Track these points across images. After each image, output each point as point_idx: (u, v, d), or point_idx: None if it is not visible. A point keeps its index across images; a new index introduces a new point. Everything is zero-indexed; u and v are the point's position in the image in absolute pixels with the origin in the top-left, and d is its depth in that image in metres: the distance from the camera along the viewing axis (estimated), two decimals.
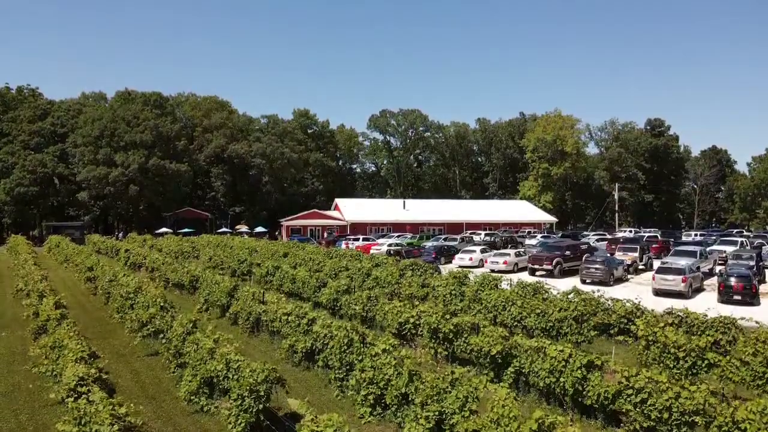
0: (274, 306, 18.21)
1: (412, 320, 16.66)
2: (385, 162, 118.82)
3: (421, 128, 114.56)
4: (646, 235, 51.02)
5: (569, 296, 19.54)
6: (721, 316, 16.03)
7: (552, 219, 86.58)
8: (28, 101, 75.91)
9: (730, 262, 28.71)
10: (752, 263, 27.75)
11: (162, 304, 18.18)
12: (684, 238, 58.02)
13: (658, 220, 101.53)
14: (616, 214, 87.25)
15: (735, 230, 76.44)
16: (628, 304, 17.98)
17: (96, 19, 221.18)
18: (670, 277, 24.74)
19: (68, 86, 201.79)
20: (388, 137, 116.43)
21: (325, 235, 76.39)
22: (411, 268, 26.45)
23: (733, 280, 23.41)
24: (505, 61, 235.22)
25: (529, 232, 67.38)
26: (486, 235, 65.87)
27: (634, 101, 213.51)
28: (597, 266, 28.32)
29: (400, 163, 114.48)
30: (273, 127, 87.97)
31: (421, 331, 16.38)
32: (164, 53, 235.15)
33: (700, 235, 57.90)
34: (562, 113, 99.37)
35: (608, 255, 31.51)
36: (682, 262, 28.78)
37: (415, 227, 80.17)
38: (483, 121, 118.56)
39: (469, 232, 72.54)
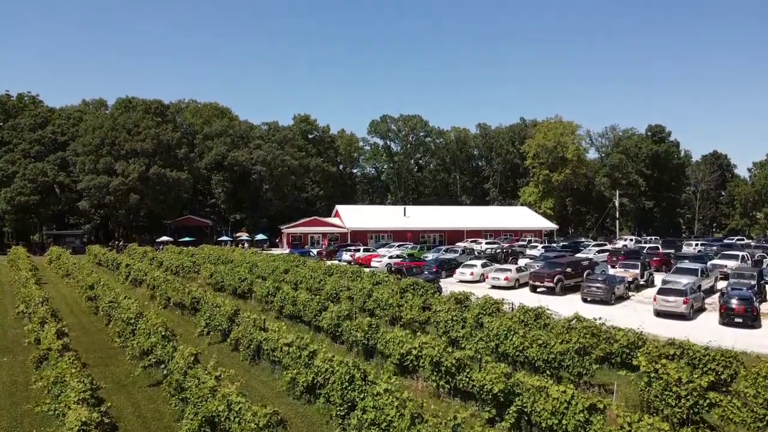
0: (275, 335, 18.19)
1: (414, 352, 16.64)
2: (385, 167, 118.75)
3: (421, 133, 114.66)
4: (647, 246, 50.90)
5: (571, 322, 19.55)
6: (722, 350, 16.03)
7: (552, 226, 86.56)
8: (29, 109, 75.99)
9: (731, 280, 28.69)
10: (753, 282, 27.74)
11: (163, 332, 18.17)
12: (684, 248, 58.08)
13: (659, 226, 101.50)
14: (617, 222, 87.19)
15: (736, 238, 76.47)
16: (630, 334, 17.95)
17: (97, 26, 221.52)
18: (671, 298, 24.73)
19: (69, 93, 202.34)
20: (388, 142, 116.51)
21: (326, 243, 76.42)
22: (412, 287, 26.43)
23: (734, 303, 23.44)
24: (505, 67, 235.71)
25: (530, 241, 67.40)
26: (487, 243, 66.00)
27: (635, 106, 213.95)
28: (598, 285, 28.32)
29: (400, 168, 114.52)
30: (273, 134, 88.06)
31: (423, 362, 16.36)
32: (165, 60, 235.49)
33: (701, 244, 57.86)
34: (562, 119, 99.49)
35: (609, 272, 31.50)
36: (684, 280, 28.79)
37: (415, 234, 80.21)
38: (483, 127, 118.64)
39: (470, 240, 72.64)
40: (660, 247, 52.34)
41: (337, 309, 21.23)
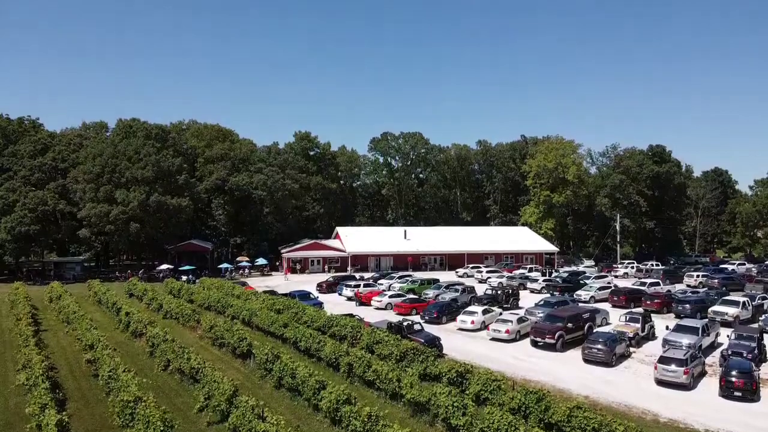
0: (273, 428, 18.13)
1: None
2: (386, 181, 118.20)
3: (422, 150, 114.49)
4: (648, 282, 50.83)
5: (573, 410, 19.42)
6: None
7: (553, 248, 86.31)
8: (29, 134, 75.90)
9: (732, 341, 28.66)
10: (754, 345, 27.72)
11: (162, 428, 18.12)
12: (686, 280, 58.09)
13: (660, 246, 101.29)
14: (618, 246, 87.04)
15: (737, 262, 76.44)
16: (630, 429, 17.86)
17: (97, 44, 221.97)
18: (672, 367, 24.71)
19: (71, 113, 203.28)
20: (389, 159, 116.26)
21: (326, 268, 76.44)
22: (412, 352, 26.40)
23: (734, 377, 23.49)
24: (506, 85, 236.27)
25: (531, 269, 67.21)
26: (488, 271, 65.96)
27: (636, 121, 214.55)
28: (599, 347, 28.27)
29: (401, 184, 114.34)
30: (275, 157, 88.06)
31: None
32: (168, 78, 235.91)
33: (702, 276, 57.74)
34: (563, 138, 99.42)
35: (609, 325, 31.39)
36: (685, 341, 28.83)
37: (416, 258, 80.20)
38: (484, 143, 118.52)
39: (471, 266, 72.53)
40: (661, 282, 52.25)
41: (336, 390, 21.14)
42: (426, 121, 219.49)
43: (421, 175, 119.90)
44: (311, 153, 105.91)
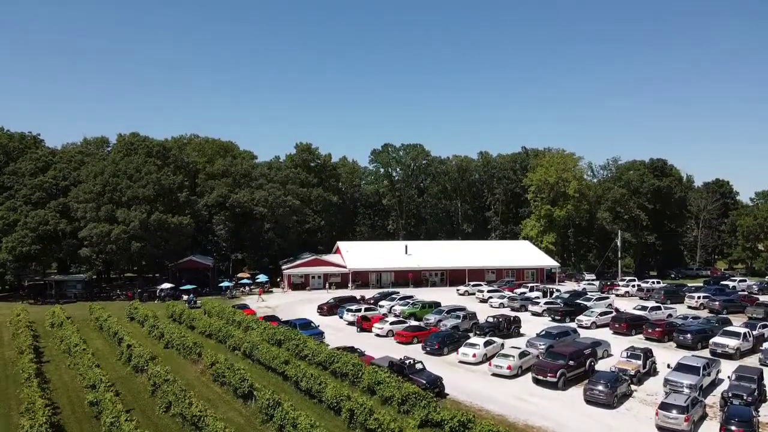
0: None
1: None
2: (387, 192, 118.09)
3: (423, 162, 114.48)
4: (649, 307, 50.81)
5: None
6: None
7: (554, 263, 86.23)
8: (30, 150, 75.88)
9: (732, 382, 28.70)
10: (754, 386, 27.78)
11: None
12: (687, 302, 58.24)
13: (661, 260, 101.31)
14: (619, 261, 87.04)
15: (738, 279, 76.45)
16: None
17: (96, 60, 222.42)
18: (673, 414, 24.80)
19: (72, 127, 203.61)
20: (390, 170, 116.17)
21: (327, 285, 76.48)
22: (414, 396, 26.46)
23: (734, 424, 23.65)
24: (508, 95, 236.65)
25: (532, 288, 67.22)
26: (489, 291, 65.99)
27: (637, 125, 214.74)
28: (600, 388, 28.32)
29: (402, 195, 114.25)
30: (275, 173, 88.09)
31: None
32: (169, 93, 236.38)
33: (703, 297, 57.83)
34: (564, 151, 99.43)
35: (612, 371, 31.27)
36: (686, 381, 28.93)
37: (417, 274, 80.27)
38: (485, 155, 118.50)
39: (472, 283, 72.61)
40: (662, 306, 52.18)
41: None
42: (427, 131, 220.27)
43: (422, 185, 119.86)
44: (312, 165, 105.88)
